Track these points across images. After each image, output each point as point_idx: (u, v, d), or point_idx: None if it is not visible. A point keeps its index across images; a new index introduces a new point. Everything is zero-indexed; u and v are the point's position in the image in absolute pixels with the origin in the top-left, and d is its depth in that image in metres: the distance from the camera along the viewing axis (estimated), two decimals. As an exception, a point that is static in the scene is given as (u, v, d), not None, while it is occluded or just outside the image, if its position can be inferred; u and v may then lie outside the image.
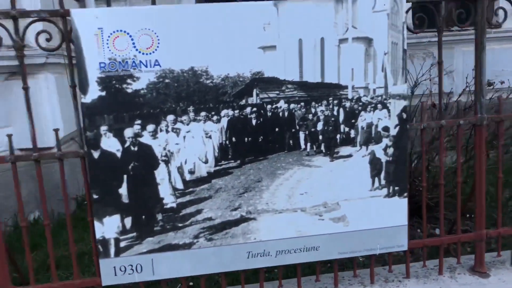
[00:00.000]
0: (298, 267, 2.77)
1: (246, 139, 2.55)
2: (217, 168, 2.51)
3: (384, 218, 2.78)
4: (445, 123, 2.78)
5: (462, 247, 3.20)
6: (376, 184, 2.74)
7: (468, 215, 3.81)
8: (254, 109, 2.53)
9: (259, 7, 2.47)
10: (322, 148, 2.66)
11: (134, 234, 2.42)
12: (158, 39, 2.38)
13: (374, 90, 2.67)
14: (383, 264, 3.28)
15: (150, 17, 2.38)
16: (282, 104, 2.56)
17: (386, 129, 2.71)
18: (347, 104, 2.65)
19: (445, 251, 2.99)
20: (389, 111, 2.69)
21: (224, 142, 2.51)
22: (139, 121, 2.39)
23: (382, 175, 2.74)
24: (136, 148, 2.39)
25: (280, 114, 2.57)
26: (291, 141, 2.61)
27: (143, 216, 2.42)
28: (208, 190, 2.49)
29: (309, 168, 2.66)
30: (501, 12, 2.69)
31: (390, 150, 2.73)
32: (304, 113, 2.60)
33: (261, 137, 2.56)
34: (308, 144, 2.64)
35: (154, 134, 2.39)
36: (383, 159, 2.73)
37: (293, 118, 2.59)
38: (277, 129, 2.58)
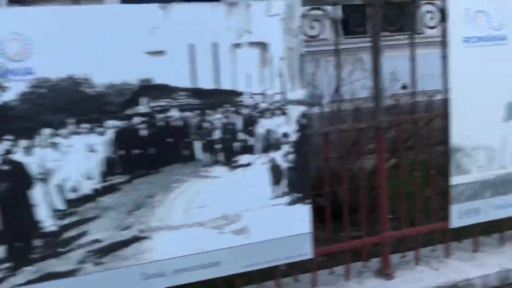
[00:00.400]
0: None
1: (135, 151, 2.36)
2: (104, 184, 2.30)
3: (288, 226, 2.70)
4: (345, 127, 2.76)
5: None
6: (278, 192, 2.66)
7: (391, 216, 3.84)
8: (144, 119, 2.35)
9: (145, 10, 2.30)
10: (220, 157, 2.53)
11: (8, 264, 2.15)
12: (31, 45, 2.13)
13: (272, 96, 2.58)
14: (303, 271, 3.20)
15: (21, 20, 2.14)
16: (174, 112, 2.41)
17: (285, 135, 2.64)
18: (245, 111, 2.54)
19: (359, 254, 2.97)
20: (288, 117, 2.62)
21: (110, 155, 2.30)
22: (10, 137, 2.13)
23: (284, 182, 2.66)
24: (7, 167, 2.13)
25: (173, 123, 2.41)
26: (186, 152, 2.46)
27: (18, 243, 2.16)
28: (94, 209, 2.28)
29: (207, 179, 2.52)
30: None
31: (291, 157, 2.66)
32: (199, 121, 2.46)
33: (153, 148, 2.39)
34: (205, 154, 2.50)
35: (28, 151, 2.14)
36: (284, 166, 2.65)
37: (187, 127, 2.44)
38: (170, 140, 2.42)
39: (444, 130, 2.94)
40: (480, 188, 3.03)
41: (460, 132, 2.93)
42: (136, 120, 2.34)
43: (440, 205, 3.04)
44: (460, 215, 3.02)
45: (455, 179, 2.97)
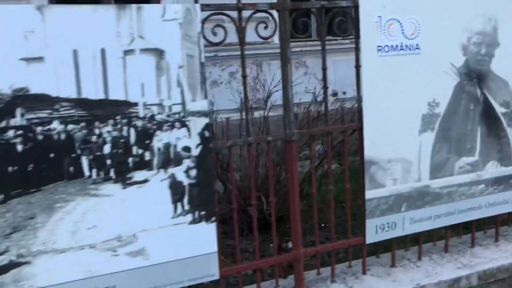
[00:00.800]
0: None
1: (11, 168, 2.12)
2: (-29, 206, 2.06)
3: (191, 246, 2.52)
4: (252, 140, 2.60)
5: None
6: (179, 210, 2.47)
7: (323, 225, 3.73)
8: (19, 132, 2.12)
9: (18, 11, 2.07)
10: (111, 174, 2.32)
11: None
12: None
13: (170, 107, 2.40)
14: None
15: None
16: (56, 125, 2.18)
17: (186, 149, 2.46)
18: (139, 123, 2.34)
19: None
20: (189, 129, 2.44)
21: (-21, 174, 2.06)
22: None
23: (186, 199, 2.48)
24: None
25: (55, 137, 2.19)
26: (71, 168, 2.23)
27: None
28: (-41, 234, 2.03)
29: (97, 198, 2.30)
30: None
31: (193, 172, 2.48)
32: (86, 134, 2.25)
33: (31, 165, 2.15)
34: (94, 171, 2.29)
35: None
36: (185, 182, 2.47)
37: (72, 141, 2.22)
38: (52, 155, 2.19)
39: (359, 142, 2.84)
40: (395, 201, 2.95)
41: (374, 144, 2.84)
42: (10, 133, 2.11)
43: (357, 219, 2.94)
44: (375, 230, 2.93)
45: (370, 193, 2.87)
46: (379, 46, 2.77)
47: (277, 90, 5.16)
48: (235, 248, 2.69)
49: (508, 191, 3.26)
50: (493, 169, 3.20)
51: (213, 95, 7.17)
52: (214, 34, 2.43)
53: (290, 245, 4.00)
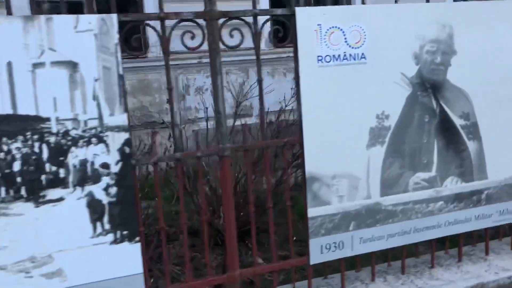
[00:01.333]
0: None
1: None
2: None
3: (114, 267, 2.40)
4: (180, 156, 2.47)
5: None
6: (99, 229, 2.36)
7: (295, 238, 3.58)
8: None
9: None
10: (22, 192, 2.22)
11: None
12: None
13: (86, 122, 2.29)
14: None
15: None
16: (-41, 142, 2.10)
17: (105, 166, 2.34)
18: (52, 139, 2.24)
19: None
20: (107, 145, 2.33)
21: None
22: None
23: (106, 218, 2.36)
24: None
25: (-43, 154, 2.10)
26: (-24, 187, 2.15)
27: None
28: None
29: (6, 217, 2.20)
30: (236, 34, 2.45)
31: (113, 190, 2.36)
32: (-8, 151, 2.15)
33: None
34: (3, 189, 2.18)
35: None
36: (105, 200, 2.35)
37: (-23, 158, 2.13)
38: (-46, 173, 2.10)
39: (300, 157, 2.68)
40: (342, 219, 2.78)
41: (316, 160, 2.68)
42: None
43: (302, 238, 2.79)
44: (320, 250, 2.76)
45: (313, 211, 2.71)
46: (319, 56, 2.61)
47: (247, 99, 5.06)
48: (165, 268, 2.56)
49: (470, 209, 3.06)
50: (452, 185, 3.01)
51: (198, 102, 7.14)
52: (131, 44, 2.32)
53: (259, 260, 3.88)
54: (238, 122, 3.93)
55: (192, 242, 3.84)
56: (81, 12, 5.69)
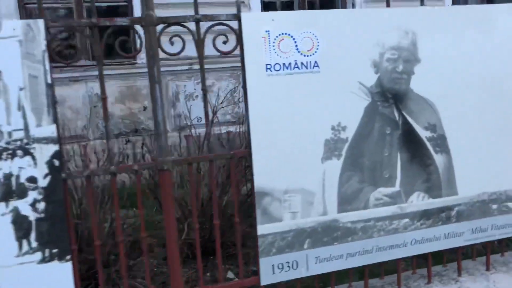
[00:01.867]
0: None
1: None
2: None
3: (44, 287, 2.27)
4: (115, 169, 2.33)
5: None
6: (26, 247, 2.23)
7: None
8: None
9: None
10: None
11: None
12: None
13: (10, 133, 2.17)
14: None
15: None
16: None
17: (32, 180, 2.21)
18: (-27, 151, 2.12)
19: None
20: (34, 158, 2.20)
21: None
22: None
23: (33, 236, 2.23)
24: None
25: None
26: None
27: None
28: None
29: None
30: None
31: (41, 205, 2.23)
32: None
33: None
34: None
35: None
36: (32, 216, 2.22)
37: None
38: None
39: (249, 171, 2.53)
40: (296, 237, 2.61)
41: (266, 173, 2.52)
42: None
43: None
44: (272, 270, 2.60)
45: (263, 228, 2.55)
46: (268, 64, 2.46)
47: (223, 107, 4.92)
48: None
49: (438, 226, 2.87)
50: (419, 201, 2.82)
51: (188, 109, 7.03)
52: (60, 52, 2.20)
53: (229, 275, 3.72)
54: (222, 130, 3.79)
55: (165, 254, 3.72)
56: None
